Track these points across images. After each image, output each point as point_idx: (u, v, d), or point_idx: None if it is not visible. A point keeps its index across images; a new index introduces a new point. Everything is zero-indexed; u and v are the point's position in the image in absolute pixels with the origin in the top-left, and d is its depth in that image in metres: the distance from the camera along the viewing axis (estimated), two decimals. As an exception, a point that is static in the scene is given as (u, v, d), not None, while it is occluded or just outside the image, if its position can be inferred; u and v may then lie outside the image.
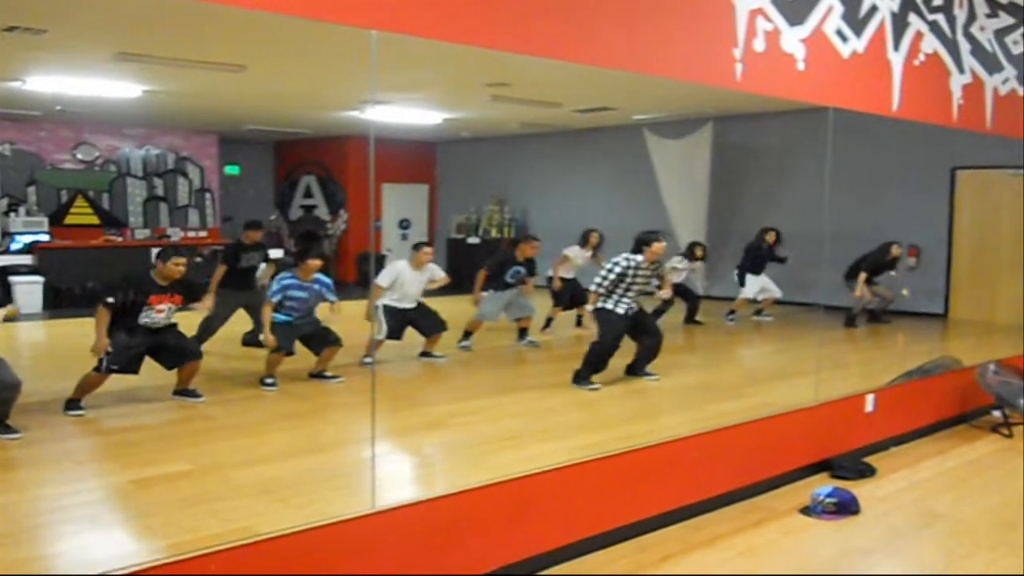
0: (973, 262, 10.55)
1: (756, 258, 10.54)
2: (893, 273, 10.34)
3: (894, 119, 6.11)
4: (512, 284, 8.68)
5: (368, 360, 7.63)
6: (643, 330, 7.07)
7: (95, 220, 13.72)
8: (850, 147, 5.94)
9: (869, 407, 5.94)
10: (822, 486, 4.97)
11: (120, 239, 13.42)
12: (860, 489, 5.03)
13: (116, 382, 6.14)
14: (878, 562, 4.29)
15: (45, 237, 12.66)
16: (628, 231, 11.65)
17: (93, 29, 6.85)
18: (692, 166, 11.84)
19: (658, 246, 6.86)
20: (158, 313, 5.86)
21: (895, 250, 10.24)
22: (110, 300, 5.65)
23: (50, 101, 10.69)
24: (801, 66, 5.23)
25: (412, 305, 7.78)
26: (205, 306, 6.40)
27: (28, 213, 13.06)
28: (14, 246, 12.27)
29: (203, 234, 14.47)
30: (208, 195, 15.12)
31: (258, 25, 6.31)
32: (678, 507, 4.57)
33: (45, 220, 13.05)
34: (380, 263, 14.58)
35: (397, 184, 15.64)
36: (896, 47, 5.94)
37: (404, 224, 15.67)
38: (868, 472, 5.50)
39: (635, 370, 7.15)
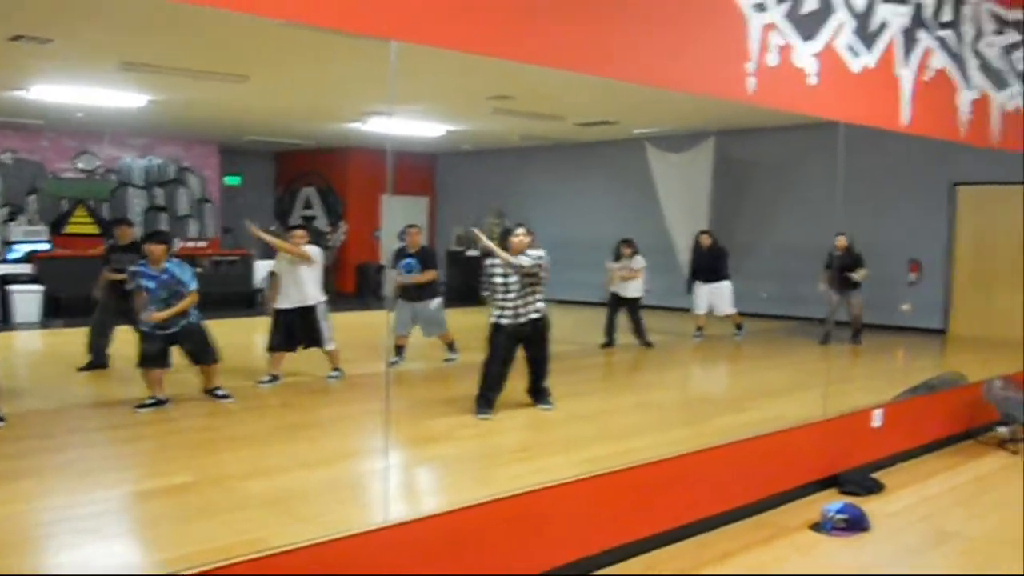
0: (973, 277, 10.56)
1: (698, 263, 10.42)
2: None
3: (896, 135, 6.10)
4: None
5: (266, 380, 7.20)
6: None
7: (95, 229, 13.67)
8: (851, 163, 5.93)
9: (876, 422, 5.90)
10: (832, 502, 4.92)
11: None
12: (869, 505, 4.98)
13: (112, 392, 6.08)
14: (893, 580, 4.24)
15: (45, 246, 12.59)
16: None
17: (98, 38, 6.86)
18: (693, 180, 11.84)
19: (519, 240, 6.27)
20: None
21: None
22: None
23: (54, 110, 10.68)
24: (813, 80, 5.22)
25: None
26: None
27: (29, 222, 13.01)
28: (11, 255, 12.21)
29: (203, 244, 14.41)
30: (208, 205, 15.09)
31: (262, 35, 6.32)
32: (688, 523, 4.51)
33: (45, 229, 13.00)
34: (380, 273, 14.61)
35: (397, 196, 15.60)
36: (906, 63, 5.94)
37: (404, 236, 15.58)
38: (876, 488, 5.44)
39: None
